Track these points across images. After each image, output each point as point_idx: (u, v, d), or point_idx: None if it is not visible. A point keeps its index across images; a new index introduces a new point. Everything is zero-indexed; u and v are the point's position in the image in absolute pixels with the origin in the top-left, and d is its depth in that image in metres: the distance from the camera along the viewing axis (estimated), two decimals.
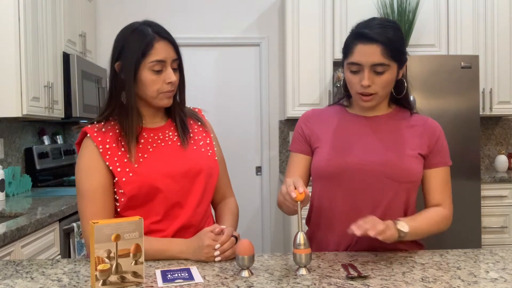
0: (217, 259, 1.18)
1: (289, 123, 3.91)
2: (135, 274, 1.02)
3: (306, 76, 3.55)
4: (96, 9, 3.81)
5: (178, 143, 1.36)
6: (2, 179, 2.47)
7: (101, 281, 0.98)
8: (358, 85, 1.30)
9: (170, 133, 1.37)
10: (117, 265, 0.99)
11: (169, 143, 1.35)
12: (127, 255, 1.00)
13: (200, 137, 1.42)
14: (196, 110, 1.50)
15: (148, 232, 1.25)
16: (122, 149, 1.29)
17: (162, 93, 1.29)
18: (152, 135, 1.34)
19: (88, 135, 1.29)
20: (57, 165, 3.30)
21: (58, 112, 2.91)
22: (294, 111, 3.56)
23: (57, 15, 2.94)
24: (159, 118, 1.39)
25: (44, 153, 3.15)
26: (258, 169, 3.96)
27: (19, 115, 2.43)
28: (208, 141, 1.43)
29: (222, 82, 3.93)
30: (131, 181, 1.25)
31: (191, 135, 1.40)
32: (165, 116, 1.41)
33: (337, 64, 3.56)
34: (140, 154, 1.30)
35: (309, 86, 3.55)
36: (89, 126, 1.32)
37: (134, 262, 1.02)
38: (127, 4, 3.84)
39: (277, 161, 3.93)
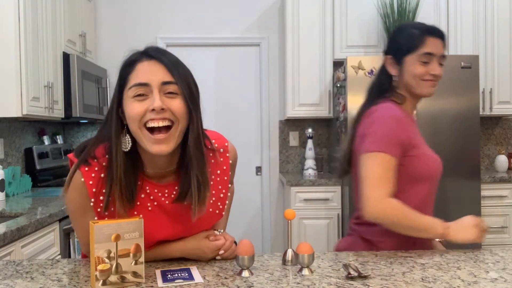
0: (217, 257, 1.19)
1: (289, 123, 3.91)
2: (135, 274, 1.02)
3: (306, 76, 3.55)
4: (96, 9, 3.80)
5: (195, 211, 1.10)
6: (2, 179, 2.47)
7: (101, 281, 0.98)
8: (426, 75, 1.40)
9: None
10: (117, 265, 0.99)
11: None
12: (127, 255, 1.00)
13: (213, 192, 1.18)
14: (221, 150, 1.20)
15: None
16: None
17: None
18: (156, 191, 1.13)
19: (83, 179, 1.07)
20: (57, 165, 3.30)
21: (58, 112, 2.91)
22: (294, 111, 3.56)
23: (57, 15, 2.94)
24: (170, 172, 1.13)
25: (44, 153, 3.15)
26: (258, 169, 3.96)
27: (19, 115, 2.43)
28: (222, 195, 1.20)
29: (222, 82, 3.92)
30: None
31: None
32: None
33: (337, 64, 3.56)
34: (135, 213, 1.11)
35: (309, 86, 3.55)
36: (86, 168, 1.07)
37: (134, 262, 1.02)
38: (127, 4, 3.84)
39: (277, 161, 3.93)
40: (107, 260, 0.98)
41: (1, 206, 2.28)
